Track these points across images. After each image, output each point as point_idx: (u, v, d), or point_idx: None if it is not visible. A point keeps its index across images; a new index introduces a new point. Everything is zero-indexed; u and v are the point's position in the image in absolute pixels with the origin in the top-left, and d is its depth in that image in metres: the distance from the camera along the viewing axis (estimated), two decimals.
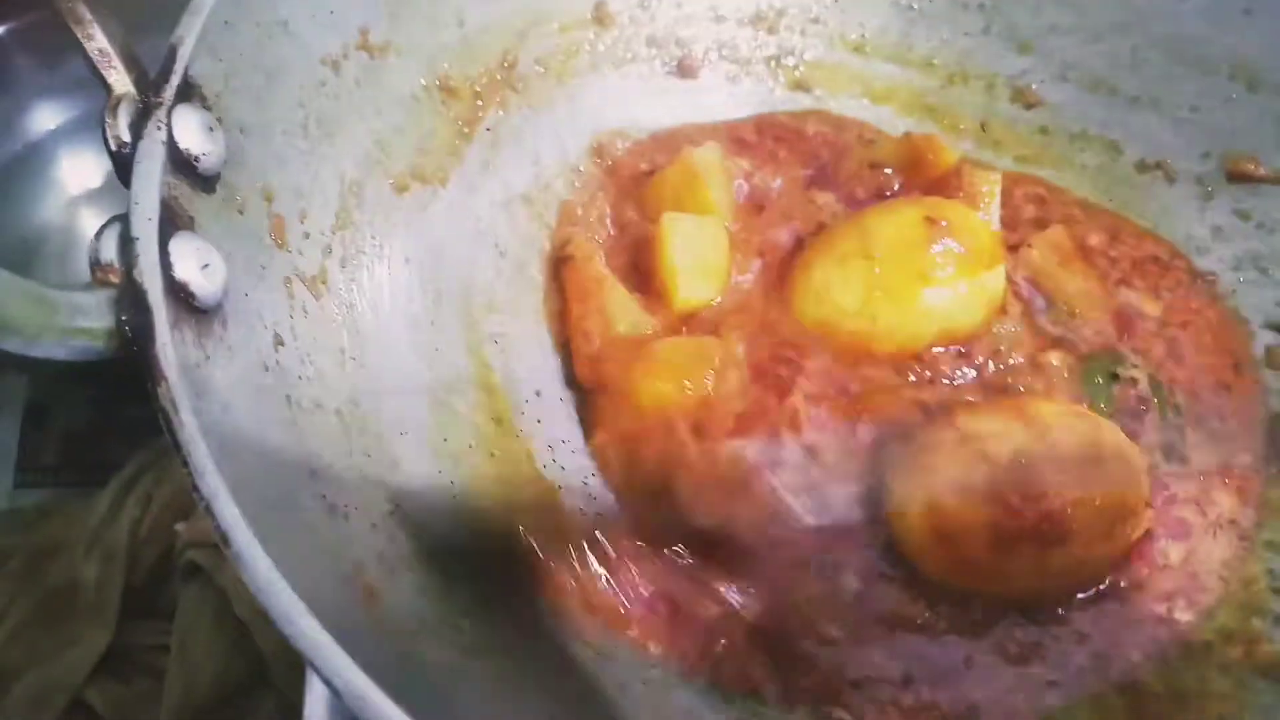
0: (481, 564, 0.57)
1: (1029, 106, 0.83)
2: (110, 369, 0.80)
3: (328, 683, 0.37)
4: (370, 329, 0.63)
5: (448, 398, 0.66)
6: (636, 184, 0.78)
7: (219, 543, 0.40)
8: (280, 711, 0.80)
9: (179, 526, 0.86)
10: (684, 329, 0.71)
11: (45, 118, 1.06)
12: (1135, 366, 0.69)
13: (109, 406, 0.99)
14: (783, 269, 0.73)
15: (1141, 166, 0.80)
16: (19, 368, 0.85)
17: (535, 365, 0.72)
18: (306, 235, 0.59)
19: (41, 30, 1.00)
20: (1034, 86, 0.83)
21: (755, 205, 0.77)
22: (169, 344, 0.43)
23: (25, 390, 0.97)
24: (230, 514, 0.39)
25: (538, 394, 0.70)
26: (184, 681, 0.81)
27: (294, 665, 0.75)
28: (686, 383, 0.64)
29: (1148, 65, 0.79)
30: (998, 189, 0.73)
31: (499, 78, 0.76)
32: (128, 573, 0.86)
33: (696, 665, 0.59)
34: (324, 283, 0.59)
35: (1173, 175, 0.78)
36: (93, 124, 1.02)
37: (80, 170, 1.06)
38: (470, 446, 0.64)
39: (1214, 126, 0.77)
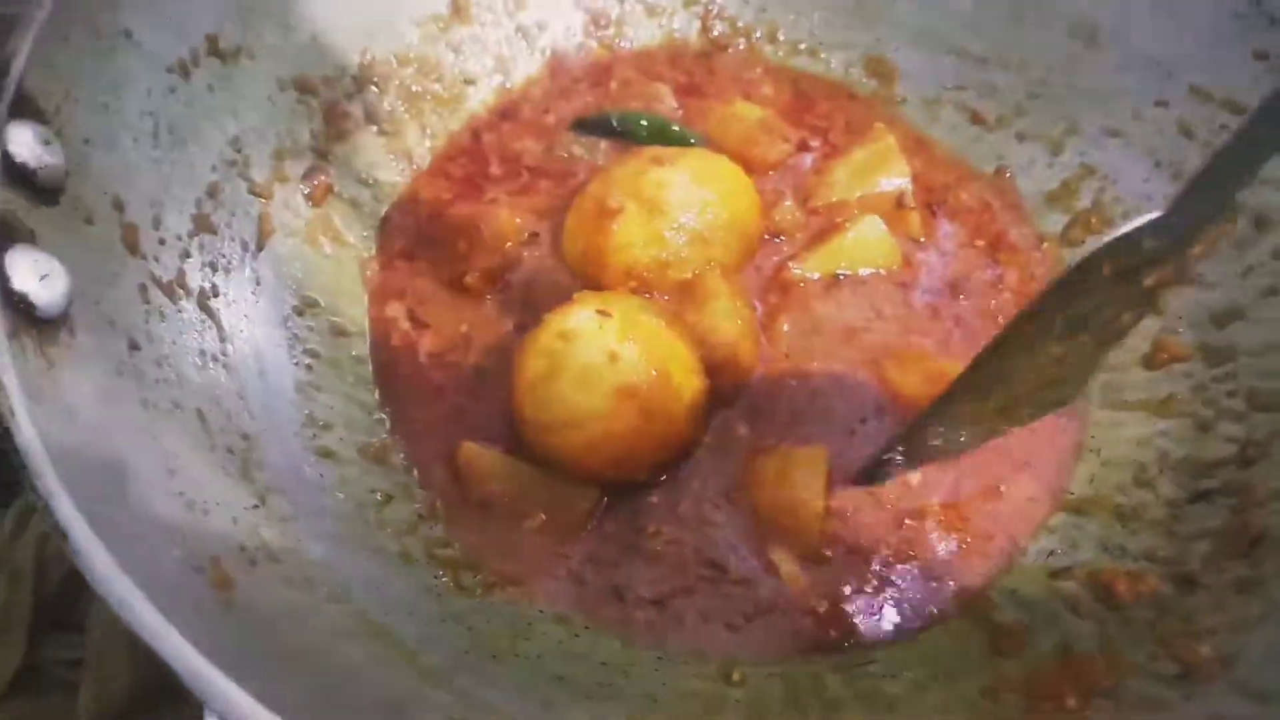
0: (348, 553, 0.59)
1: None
2: None
3: (170, 667, 0.39)
4: (235, 331, 0.64)
5: (317, 394, 0.67)
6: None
7: (59, 538, 0.41)
8: (194, 717, 0.81)
9: None
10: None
11: None
12: None
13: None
14: None
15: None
16: None
17: None
18: (162, 241, 0.60)
19: None
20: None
21: None
22: (5, 353, 0.44)
23: None
24: (67, 511, 0.41)
25: None
26: (97, 693, 0.81)
27: None
28: None
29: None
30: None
31: (360, 76, 0.77)
32: (36, 588, 0.86)
33: None
34: (181, 286, 0.60)
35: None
36: None
37: None
38: (339, 439, 0.66)
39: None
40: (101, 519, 0.41)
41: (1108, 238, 0.74)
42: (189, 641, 0.39)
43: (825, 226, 0.78)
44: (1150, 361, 0.71)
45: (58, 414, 0.45)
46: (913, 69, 0.86)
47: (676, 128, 0.81)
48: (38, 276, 0.48)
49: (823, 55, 0.88)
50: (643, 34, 0.89)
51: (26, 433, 0.42)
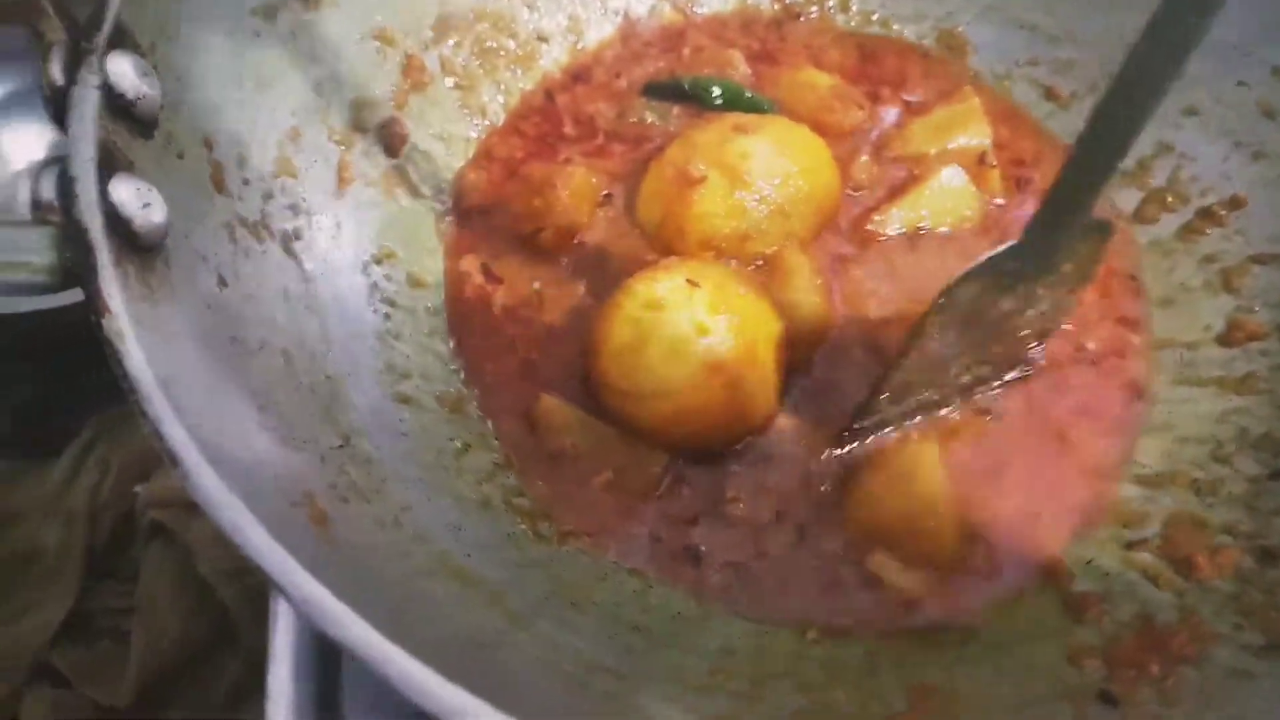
0: (428, 496, 0.59)
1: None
2: (59, 340, 0.80)
3: (281, 590, 0.39)
4: (317, 273, 0.64)
5: (395, 341, 0.67)
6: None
7: (170, 463, 0.41)
8: (246, 666, 0.81)
9: (139, 488, 0.86)
10: None
11: None
12: None
13: (57, 380, 0.99)
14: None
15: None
16: None
17: None
18: (246, 181, 0.60)
19: None
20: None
21: None
22: (112, 279, 0.44)
23: None
24: (178, 435, 0.41)
25: None
26: (148, 641, 0.81)
27: (258, 619, 0.76)
28: None
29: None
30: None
31: (437, 29, 0.77)
32: (88, 536, 0.86)
33: None
34: (265, 227, 0.61)
35: None
36: (32, 97, 1.01)
37: (23, 143, 1.05)
38: (416, 386, 0.66)
39: None
40: (207, 447, 0.41)
41: (1183, 217, 0.76)
42: (303, 566, 0.38)
43: (905, 179, 0.77)
44: (1226, 340, 0.70)
45: (159, 343, 0.45)
46: (985, 43, 0.86)
47: (750, 94, 0.80)
48: (140, 205, 0.48)
49: (895, 26, 0.88)
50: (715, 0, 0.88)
51: (136, 358, 0.42)
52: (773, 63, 0.84)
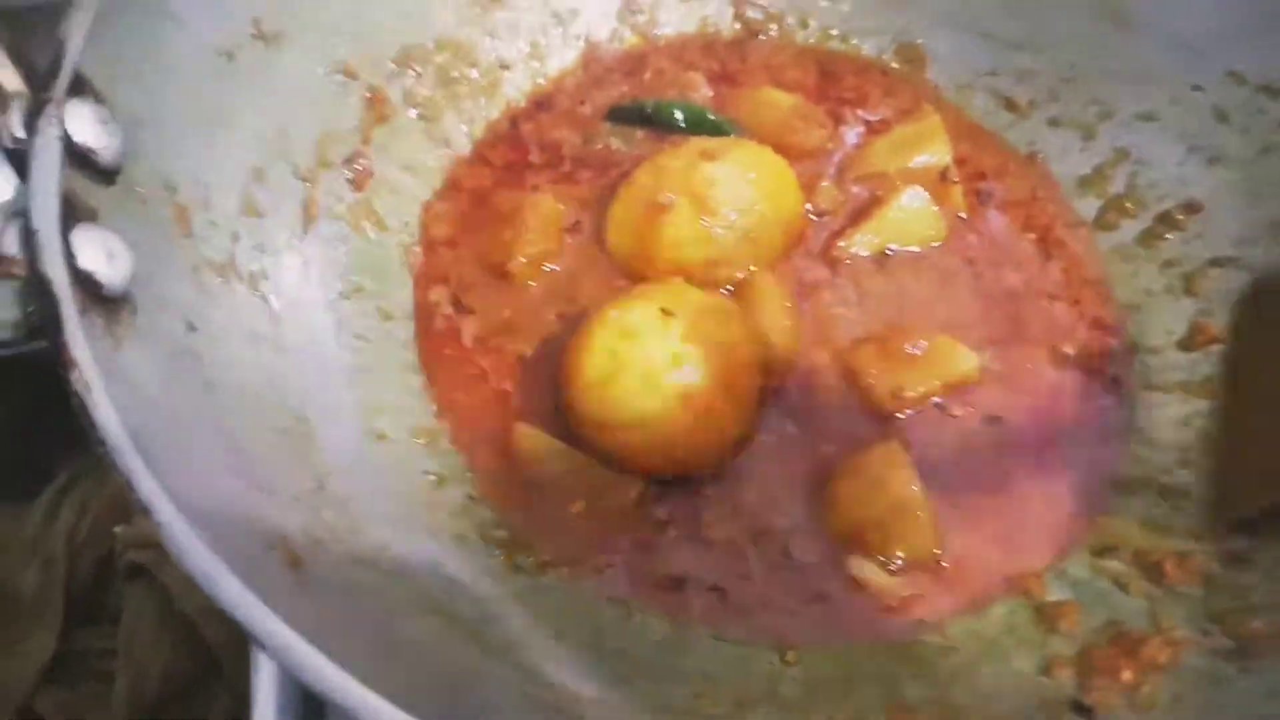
0: (405, 533, 0.59)
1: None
2: (31, 385, 0.80)
3: (254, 638, 0.39)
4: (285, 313, 0.64)
5: (365, 376, 0.67)
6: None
7: (144, 513, 0.41)
8: (234, 699, 0.81)
9: (118, 529, 0.85)
10: None
11: None
12: None
13: (35, 422, 0.98)
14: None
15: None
16: None
17: None
18: (212, 223, 0.60)
19: None
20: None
21: None
22: (78, 331, 0.44)
23: None
24: (150, 487, 0.41)
25: None
26: (132, 681, 0.81)
27: (241, 657, 0.76)
28: None
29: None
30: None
31: (399, 60, 0.77)
32: (68, 579, 0.86)
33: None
34: (232, 268, 0.61)
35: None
36: None
37: None
38: (390, 421, 0.66)
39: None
40: (179, 496, 0.41)
41: (1142, 222, 0.77)
42: (276, 614, 0.38)
43: (868, 200, 0.78)
44: (1188, 344, 0.71)
45: (127, 392, 0.45)
46: (943, 54, 0.87)
47: (713, 116, 0.81)
48: (105, 255, 0.48)
49: (854, 40, 0.89)
50: (676, 20, 0.89)
51: (105, 410, 0.42)
52: (734, 84, 0.85)
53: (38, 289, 0.45)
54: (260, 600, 0.39)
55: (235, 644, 0.80)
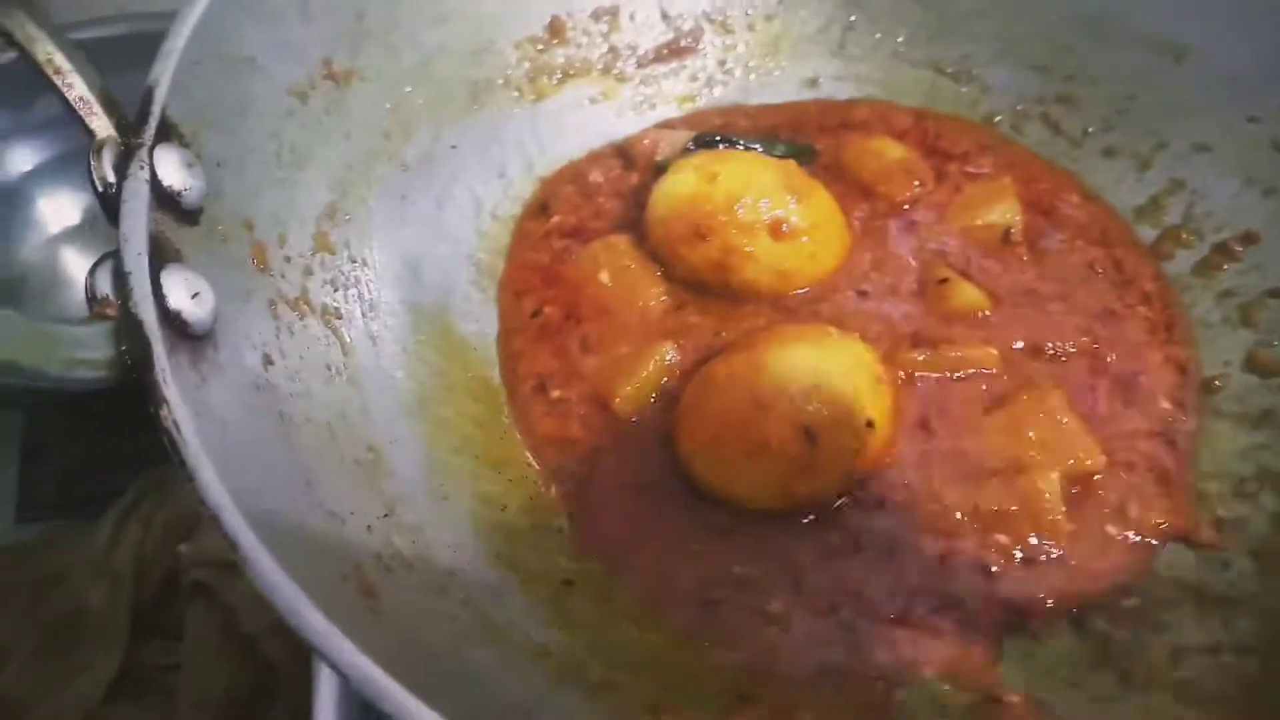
0: (471, 560, 0.60)
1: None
2: (101, 404, 0.82)
3: (335, 668, 0.40)
4: (355, 344, 0.66)
5: (434, 406, 0.69)
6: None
7: (230, 548, 0.43)
8: (292, 717, 0.82)
9: (183, 547, 0.88)
10: None
11: (19, 160, 1.07)
12: None
13: (103, 440, 1.01)
14: None
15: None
16: (19, 403, 0.87)
17: None
18: (287, 259, 0.62)
19: (9, 73, 1.01)
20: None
21: None
22: (168, 369, 0.46)
23: (20, 428, 0.99)
24: (237, 523, 0.43)
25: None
26: (194, 697, 0.83)
27: (301, 674, 0.77)
28: None
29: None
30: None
31: (461, 96, 0.79)
32: (134, 595, 0.88)
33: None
34: (306, 303, 0.63)
35: None
36: (67, 163, 1.04)
37: (58, 209, 1.08)
38: (456, 450, 0.67)
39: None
40: (264, 529, 0.43)
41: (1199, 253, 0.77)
42: (357, 645, 0.40)
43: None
44: (1246, 374, 0.71)
45: (213, 428, 0.47)
46: (997, 85, 0.87)
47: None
48: (190, 294, 0.50)
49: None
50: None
51: (194, 448, 0.44)
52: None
53: (130, 329, 0.47)
54: (342, 632, 0.40)
55: (294, 661, 0.82)
